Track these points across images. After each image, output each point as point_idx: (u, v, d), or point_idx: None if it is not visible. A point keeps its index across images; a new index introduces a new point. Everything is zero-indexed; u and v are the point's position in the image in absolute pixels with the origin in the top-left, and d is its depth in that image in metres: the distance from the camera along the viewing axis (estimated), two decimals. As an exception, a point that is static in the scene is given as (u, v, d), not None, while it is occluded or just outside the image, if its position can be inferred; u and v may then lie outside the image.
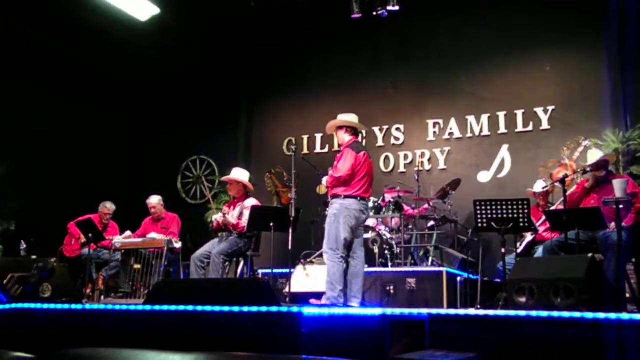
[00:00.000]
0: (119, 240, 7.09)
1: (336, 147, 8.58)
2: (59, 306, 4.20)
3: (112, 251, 7.10)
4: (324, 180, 5.59)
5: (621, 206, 4.95)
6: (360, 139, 6.17)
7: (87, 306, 4.57)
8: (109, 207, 7.94)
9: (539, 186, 6.65)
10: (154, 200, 7.61)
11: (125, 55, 9.43)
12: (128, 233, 7.34)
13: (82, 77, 9.29)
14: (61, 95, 9.17)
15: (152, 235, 7.12)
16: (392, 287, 6.04)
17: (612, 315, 3.39)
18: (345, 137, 5.65)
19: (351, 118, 5.73)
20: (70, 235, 7.80)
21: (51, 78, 8.96)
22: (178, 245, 6.88)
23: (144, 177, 9.68)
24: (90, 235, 6.84)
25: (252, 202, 6.59)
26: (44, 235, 7.86)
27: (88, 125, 9.37)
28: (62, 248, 7.83)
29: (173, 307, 3.63)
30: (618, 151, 6.94)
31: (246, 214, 6.34)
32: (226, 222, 6.46)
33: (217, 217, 6.59)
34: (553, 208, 6.36)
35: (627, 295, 5.27)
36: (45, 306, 4.20)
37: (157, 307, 3.70)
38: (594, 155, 5.84)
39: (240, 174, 6.81)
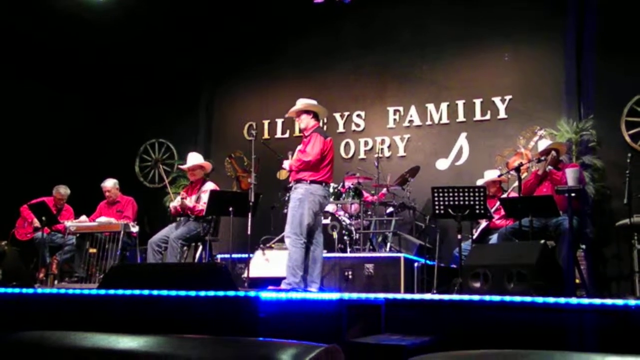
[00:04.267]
0: (73, 223, 6.93)
1: (297, 133, 8.57)
2: (9, 290, 4.09)
3: (66, 235, 6.94)
4: (286, 164, 5.54)
5: (573, 194, 5.11)
6: (320, 124, 6.17)
7: (39, 290, 4.46)
8: (62, 192, 7.70)
9: (488, 176, 6.79)
10: (109, 184, 7.44)
11: (83, 35, 9.14)
12: (83, 217, 7.17)
13: (37, 56, 8.96)
14: (14, 74, 8.83)
15: (101, 219, 6.99)
16: (350, 273, 6.09)
17: (562, 300, 3.49)
18: (310, 122, 5.63)
19: (313, 103, 5.72)
20: (23, 218, 7.57)
21: (4, 56, 8.63)
22: (135, 229, 6.76)
23: (102, 160, 9.47)
24: (43, 218, 6.66)
25: (210, 186, 6.53)
26: (-6, 217, 7.62)
27: (44, 106, 9.07)
28: (14, 231, 7.60)
29: (128, 292, 3.57)
30: (572, 141, 7.13)
31: (204, 197, 6.28)
32: (184, 206, 6.38)
33: (174, 204, 6.51)
34: (505, 195, 6.51)
35: (577, 281, 5.45)
36: (-5, 290, 4.08)
37: (111, 292, 3.63)
38: (544, 145, 6.10)
39: (197, 158, 6.75)
